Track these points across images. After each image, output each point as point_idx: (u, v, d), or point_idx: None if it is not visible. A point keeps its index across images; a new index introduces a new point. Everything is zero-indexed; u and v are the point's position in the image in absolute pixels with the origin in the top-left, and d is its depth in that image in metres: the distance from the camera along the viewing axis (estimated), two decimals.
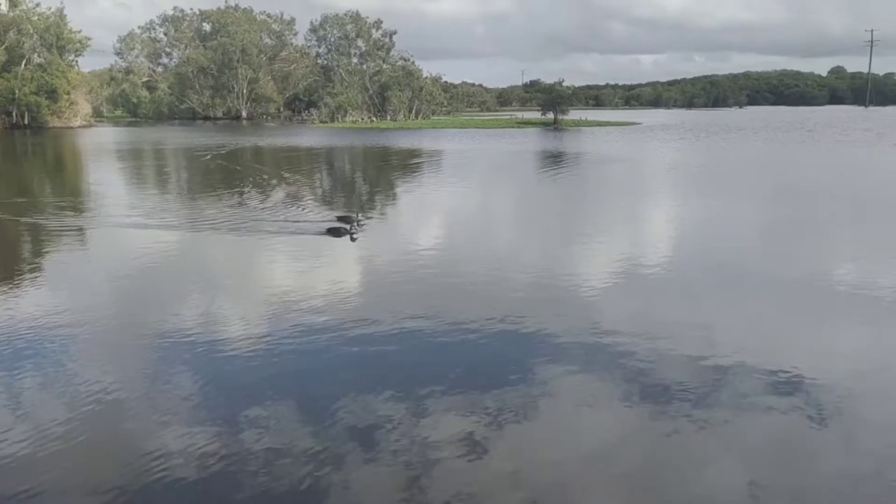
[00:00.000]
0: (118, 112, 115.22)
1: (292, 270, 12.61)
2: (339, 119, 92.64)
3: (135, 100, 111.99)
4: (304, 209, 19.16)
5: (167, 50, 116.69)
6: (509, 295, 10.80)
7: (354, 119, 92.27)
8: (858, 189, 23.96)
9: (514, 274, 12.18)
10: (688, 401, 6.93)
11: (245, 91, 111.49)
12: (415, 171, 31.26)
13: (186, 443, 6.10)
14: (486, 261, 13.08)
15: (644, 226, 17.47)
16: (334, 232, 15.12)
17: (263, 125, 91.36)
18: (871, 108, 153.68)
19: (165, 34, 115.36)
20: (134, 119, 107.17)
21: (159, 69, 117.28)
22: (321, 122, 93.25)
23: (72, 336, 9.00)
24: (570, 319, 9.48)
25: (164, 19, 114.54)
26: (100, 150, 46.94)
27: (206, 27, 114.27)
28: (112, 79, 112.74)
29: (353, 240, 14.55)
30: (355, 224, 15.33)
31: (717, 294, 10.99)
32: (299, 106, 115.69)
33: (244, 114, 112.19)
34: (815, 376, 7.46)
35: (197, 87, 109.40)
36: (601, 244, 14.85)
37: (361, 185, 27.13)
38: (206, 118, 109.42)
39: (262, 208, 19.39)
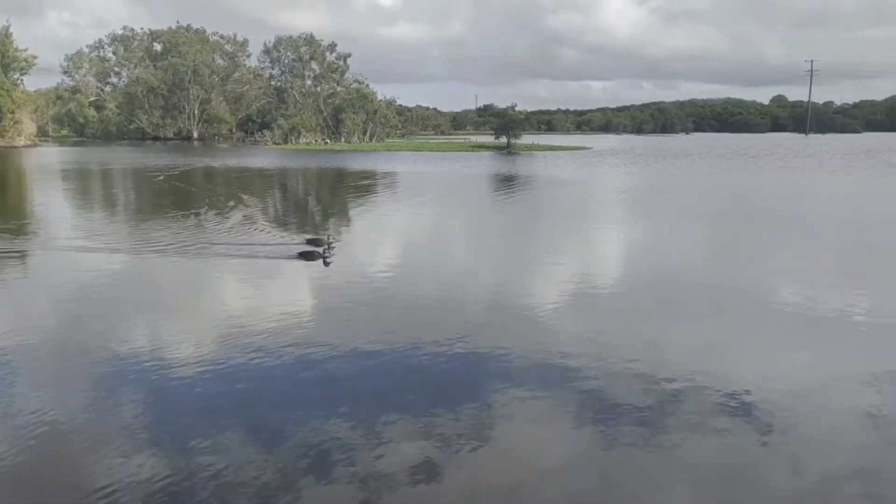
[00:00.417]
0: (64, 132, 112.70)
1: (250, 294, 12.43)
2: (293, 141, 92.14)
3: (81, 119, 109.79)
4: (269, 232, 18.83)
5: (116, 69, 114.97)
6: (464, 316, 10.84)
7: (308, 141, 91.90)
8: (801, 213, 24.74)
9: (468, 296, 12.24)
10: (638, 420, 7.03)
11: (196, 111, 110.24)
12: (370, 194, 31.23)
13: (129, 470, 5.94)
14: (441, 283, 13.12)
15: (595, 247, 17.74)
16: (307, 256, 14.81)
17: (215, 146, 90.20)
18: (811, 136, 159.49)
19: (115, 53, 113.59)
20: (80, 139, 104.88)
21: (108, 88, 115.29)
22: (274, 143, 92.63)
23: (9, 363, 8.71)
24: (524, 341, 9.53)
25: (114, 38, 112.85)
26: (45, 171, 45.70)
27: (157, 47, 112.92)
28: (59, 98, 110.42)
29: (326, 264, 14.30)
30: (327, 247, 15.06)
31: (666, 315, 11.18)
32: (252, 127, 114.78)
33: (195, 134, 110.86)
34: (760, 396, 7.63)
35: (146, 106, 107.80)
36: (554, 265, 15.01)
37: (318, 208, 26.95)
38: (156, 138, 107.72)
39: (227, 231, 18.98)
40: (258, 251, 15.95)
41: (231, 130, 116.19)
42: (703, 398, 7.61)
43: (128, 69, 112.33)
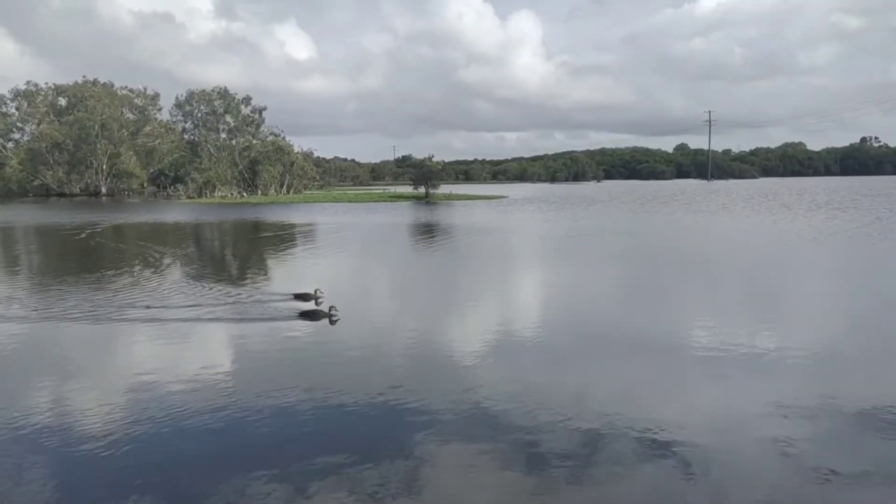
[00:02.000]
0: None
1: (166, 356, 11.95)
2: (208, 194, 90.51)
3: None
4: (239, 290, 18.02)
5: (19, 125, 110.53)
6: (388, 367, 10.70)
7: (224, 194, 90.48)
8: (710, 253, 25.82)
9: (392, 346, 12.11)
10: (563, 464, 7.08)
11: (105, 166, 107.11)
12: (294, 245, 30.76)
13: None
14: (364, 333, 12.95)
15: (516, 294, 17.94)
16: (310, 315, 14.06)
17: (125, 201, 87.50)
18: (713, 182, 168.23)
19: (17, 109, 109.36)
20: None
21: (10, 145, 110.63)
22: (188, 197, 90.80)
23: None
24: (449, 391, 9.49)
25: (16, 94, 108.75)
26: None
27: (62, 101, 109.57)
28: None
29: (332, 322, 13.65)
30: (316, 301, 14.39)
31: (586, 358, 11.35)
32: (165, 181, 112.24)
33: (104, 190, 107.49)
34: (679, 434, 7.83)
35: (51, 162, 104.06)
36: (476, 313, 15.07)
37: (255, 261, 26.36)
38: (61, 195, 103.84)
39: (207, 290, 18.05)
40: (250, 312, 14.93)
41: (142, 185, 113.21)
42: (625, 439, 7.73)
43: (31, 125, 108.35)
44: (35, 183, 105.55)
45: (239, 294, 17.22)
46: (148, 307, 15.63)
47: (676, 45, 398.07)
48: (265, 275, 21.69)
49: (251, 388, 9.68)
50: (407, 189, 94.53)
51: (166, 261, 24.88)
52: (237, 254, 29.38)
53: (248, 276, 21.41)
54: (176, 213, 58.66)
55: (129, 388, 9.89)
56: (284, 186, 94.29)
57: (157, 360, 11.33)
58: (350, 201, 76.37)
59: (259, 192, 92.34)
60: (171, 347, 12.22)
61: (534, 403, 8.88)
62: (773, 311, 14.99)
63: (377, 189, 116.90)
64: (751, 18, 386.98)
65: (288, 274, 21.88)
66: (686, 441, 7.63)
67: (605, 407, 8.76)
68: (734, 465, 7.11)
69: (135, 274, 21.49)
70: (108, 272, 21.94)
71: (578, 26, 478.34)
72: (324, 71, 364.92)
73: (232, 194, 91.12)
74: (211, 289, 18.11)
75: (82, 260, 26.51)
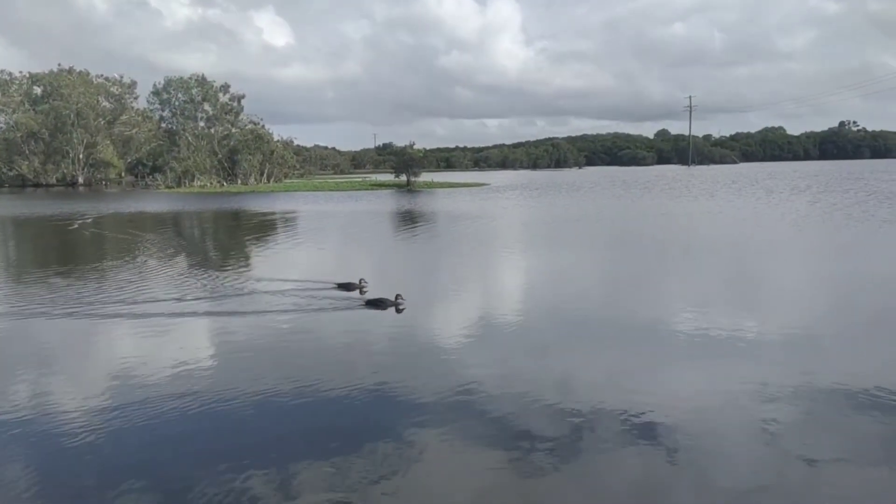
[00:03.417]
0: None
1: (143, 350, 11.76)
2: (187, 184, 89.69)
3: None
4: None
5: None
6: (373, 354, 10.64)
7: (203, 184, 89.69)
8: (694, 237, 25.92)
9: (376, 332, 12.02)
10: (549, 448, 7.07)
11: (82, 156, 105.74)
12: (270, 234, 30.50)
13: None
14: (347, 321, 12.82)
15: (501, 279, 17.89)
16: (376, 304, 13.84)
17: (103, 192, 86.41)
18: (694, 167, 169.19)
19: None
20: None
21: None
22: (167, 187, 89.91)
23: None
24: (434, 376, 9.45)
25: None
26: None
27: (38, 90, 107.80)
28: None
29: (398, 311, 13.52)
30: (398, 296, 13.98)
31: (571, 343, 11.36)
32: (143, 171, 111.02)
33: (81, 180, 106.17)
34: (664, 417, 7.83)
35: (27, 152, 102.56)
36: (461, 298, 15.02)
37: (249, 251, 26.07)
38: (37, 185, 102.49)
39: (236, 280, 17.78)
40: (311, 304, 14.49)
41: (120, 175, 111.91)
42: (610, 423, 7.73)
43: (5, 114, 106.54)
44: (10, 173, 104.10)
45: (282, 283, 16.88)
46: (197, 298, 15.40)
47: (656, 30, 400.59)
48: (294, 264, 21.45)
49: (235, 377, 9.57)
50: (388, 177, 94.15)
51: (179, 252, 24.53)
52: (248, 243, 29.08)
53: (271, 265, 21.12)
54: (160, 203, 58.03)
55: (195, 377, 9.74)
56: (264, 175, 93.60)
57: (233, 351, 11.15)
58: (331, 190, 75.96)
59: (239, 182, 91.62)
60: (244, 339, 12.02)
61: (519, 387, 8.86)
62: (758, 294, 15.07)
63: (358, 177, 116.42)
64: (730, 3, 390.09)
65: (268, 261, 21.65)
66: (670, 423, 7.64)
67: (589, 390, 8.76)
68: (719, 445, 7.13)
69: (158, 264, 21.27)
70: (125, 262, 21.72)
71: (558, 12, 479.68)
72: (302, 58, 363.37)
73: (211, 183, 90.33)
74: (242, 279, 17.99)
75: (89, 251, 25.98)
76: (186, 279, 18.00)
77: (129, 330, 12.66)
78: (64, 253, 26.14)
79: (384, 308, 13.74)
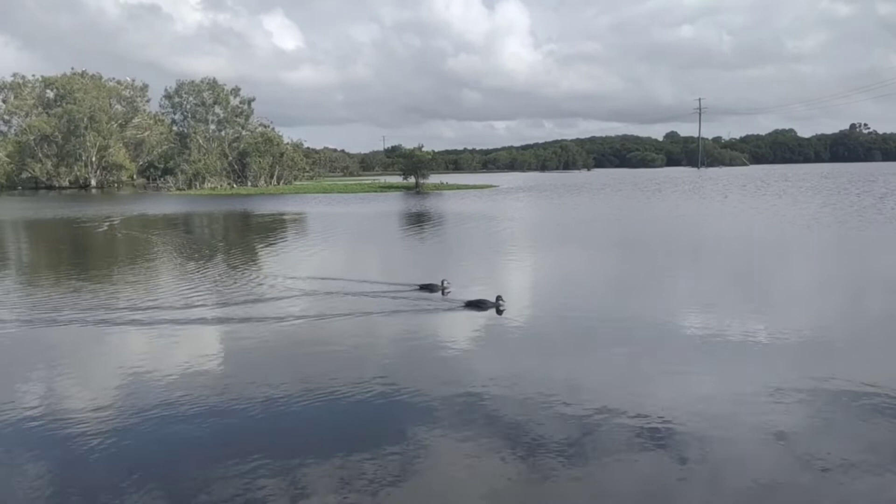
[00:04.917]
0: None
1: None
2: (197, 186, 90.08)
3: None
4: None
5: (6, 118, 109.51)
6: (381, 355, 10.71)
7: (213, 186, 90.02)
8: (707, 239, 25.91)
9: (385, 333, 12.11)
10: (558, 451, 7.07)
11: (94, 159, 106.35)
12: (281, 235, 30.64)
13: None
14: (357, 321, 12.89)
15: (512, 279, 17.91)
16: (478, 305, 13.78)
17: (116, 194, 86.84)
18: (704, 170, 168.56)
19: (4, 101, 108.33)
20: None
21: None
22: (178, 189, 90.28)
23: None
24: (441, 376, 9.49)
25: (3, 86, 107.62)
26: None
27: (50, 94, 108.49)
28: None
29: (499, 312, 13.44)
30: (499, 297, 13.86)
31: (581, 345, 11.36)
32: (154, 173, 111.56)
33: (93, 182, 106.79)
34: (674, 420, 7.82)
35: (40, 155, 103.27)
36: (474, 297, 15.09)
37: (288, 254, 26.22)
38: (50, 187, 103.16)
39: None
40: (404, 304, 14.44)
41: (132, 177, 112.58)
42: (620, 426, 7.72)
43: (19, 117, 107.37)
44: (23, 176, 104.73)
45: (362, 283, 16.94)
46: (274, 298, 15.52)
47: (664, 32, 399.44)
48: (248, 262, 21.57)
49: (246, 379, 9.71)
50: (397, 179, 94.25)
51: (223, 252, 24.72)
52: (282, 243, 29.22)
53: (330, 265, 21.25)
54: (178, 204, 57.85)
55: (299, 375, 9.88)
56: (274, 177, 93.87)
57: (343, 350, 11.29)
58: (340, 192, 76.10)
59: (249, 184, 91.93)
60: (345, 339, 12.11)
61: (527, 390, 8.87)
62: (774, 296, 15.08)
63: (367, 179, 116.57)
64: (739, 6, 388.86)
65: (279, 262, 21.77)
66: (681, 427, 7.63)
67: (599, 393, 8.76)
68: (729, 449, 7.10)
69: (212, 264, 21.51)
70: (178, 263, 21.97)
71: (566, 14, 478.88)
72: (312, 61, 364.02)
73: (222, 186, 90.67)
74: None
75: (135, 252, 25.65)
76: (233, 281, 18.15)
77: (189, 332, 12.77)
78: (112, 254, 26.24)
79: (485, 309, 13.62)
